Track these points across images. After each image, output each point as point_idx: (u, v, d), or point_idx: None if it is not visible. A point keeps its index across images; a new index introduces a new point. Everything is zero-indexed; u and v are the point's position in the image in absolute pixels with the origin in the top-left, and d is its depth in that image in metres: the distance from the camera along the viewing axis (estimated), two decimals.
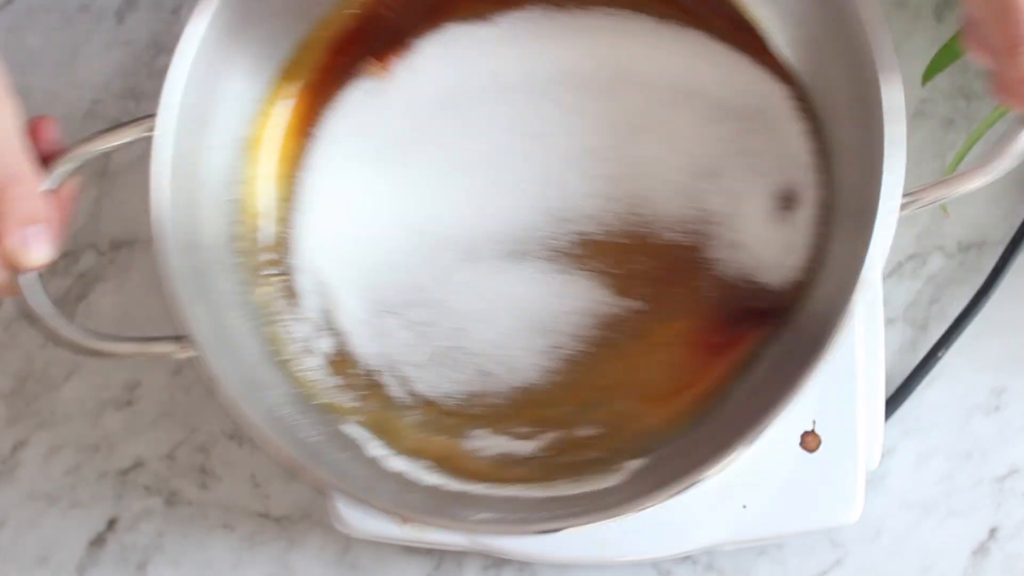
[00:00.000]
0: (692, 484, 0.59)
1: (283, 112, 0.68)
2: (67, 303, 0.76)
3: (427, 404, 0.66)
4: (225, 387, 0.60)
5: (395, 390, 0.67)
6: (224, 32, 0.64)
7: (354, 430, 0.66)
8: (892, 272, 0.74)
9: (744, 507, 0.68)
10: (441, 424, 0.66)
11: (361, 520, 0.68)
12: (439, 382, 0.66)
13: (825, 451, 0.68)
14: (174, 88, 0.62)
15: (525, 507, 0.63)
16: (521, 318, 0.67)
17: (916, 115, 0.75)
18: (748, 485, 0.68)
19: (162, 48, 0.79)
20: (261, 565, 0.74)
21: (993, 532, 0.72)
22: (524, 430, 0.66)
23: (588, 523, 0.59)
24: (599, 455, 0.65)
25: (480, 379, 0.66)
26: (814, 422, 0.68)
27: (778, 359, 0.65)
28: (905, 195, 0.59)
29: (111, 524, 0.74)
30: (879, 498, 0.72)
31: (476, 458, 0.66)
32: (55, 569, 0.74)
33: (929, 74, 0.72)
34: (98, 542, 0.74)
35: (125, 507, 0.74)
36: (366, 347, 0.67)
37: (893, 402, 0.72)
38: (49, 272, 0.76)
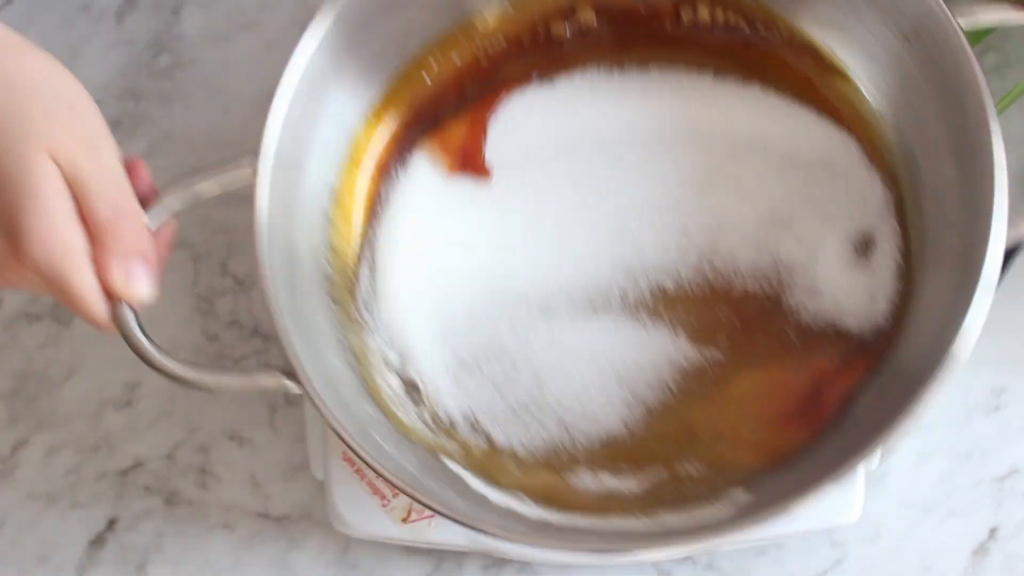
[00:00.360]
0: (781, 513, 0.60)
1: (370, 162, 0.70)
2: None
3: (510, 455, 0.67)
4: (337, 419, 0.61)
5: (478, 441, 0.67)
6: (317, 77, 0.65)
7: (455, 466, 0.66)
8: None
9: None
10: (542, 464, 0.67)
11: (361, 520, 0.68)
12: (520, 435, 0.67)
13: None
14: (273, 132, 0.64)
15: (634, 537, 0.64)
16: (599, 370, 0.67)
17: None
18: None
19: (162, 48, 0.79)
20: (261, 565, 0.74)
21: (993, 532, 0.72)
22: (626, 466, 0.66)
23: (697, 544, 0.61)
24: (702, 490, 0.65)
25: (560, 431, 0.67)
26: None
27: (875, 403, 0.65)
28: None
29: (111, 524, 0.74)
30: (879, 498, 0.72)
31: (581, 493, 0.66)
32: (55, 569, 0.74)
33: None
34: (98, 542, 0.74)
35: (125, 507, 0.74)
36: (445, 400, 0.68)
37: None
38: None
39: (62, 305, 0.60)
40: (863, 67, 0.68)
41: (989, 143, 0.60)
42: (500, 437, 0.67)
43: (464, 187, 0.70)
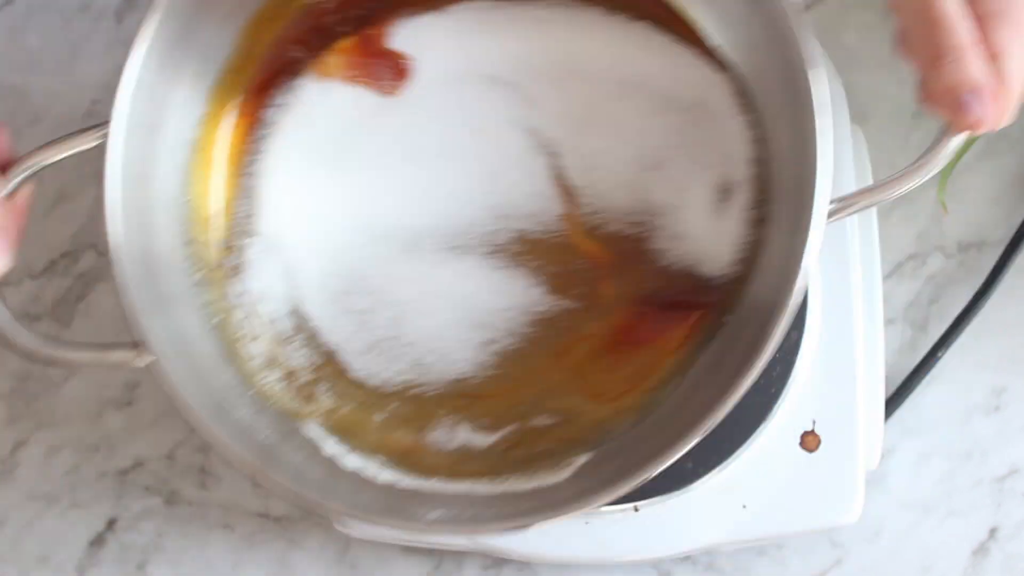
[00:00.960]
0: (636, 483, 0.59)
1: (232, 111, 0.69)
2: (67, 303, 0.76)
3: (363, 391, 0.67)
4: (182, 393, 0.61)
5: (335, 378, 0.67)
6: (170, 38, 0.64)
7: (313, 430, 0.66)
8: (892, 272, 0.74)
9: (744, 507, 0.68)
10: (405, 417, 0.66)
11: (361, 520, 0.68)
12: (377, 370, 0.67)
13: (825, 451, 0.68)
14: (124, 95, 0.62)
15: (477, 503, 0.64)
16: (458, 312, 0.67)
17: (914, 115, 0.75)
18: (748, 485, 0.68)
19: None
20: (261, 565, 0.74)
21: (993, 532, 0.72)
22: (485, 421, 0.66)
23: (538, 522, 0.60)
24: (552, 447, 0.65)
25: (416, 369, 0.67)
26: (814, 422, 0.68)
27: (721, 353, 0.65)
28: (836, 200, 0.60)
29: (111, 524, 0.74)
30: (879, 498, 0.72)
31: (436, 452, 0.66)
32: (55, 569, 0.74)
33: None
34: (98, 542, 0.74)
35: (125, 507, 0.74)
36: (313, 330, 0.68)
37: (893, 402, 0.72)
38: (48, 272, 0.76)
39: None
40: (709, 14, 0.67)
41: (805, 73, 0.60)
42: (358, 373, 0.67)
43: (344, 119, 0.69)
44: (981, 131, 0.57)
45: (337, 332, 0.68)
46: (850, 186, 0.70)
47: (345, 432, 0.66)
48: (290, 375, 0.67)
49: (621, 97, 0.68)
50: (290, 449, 0.64)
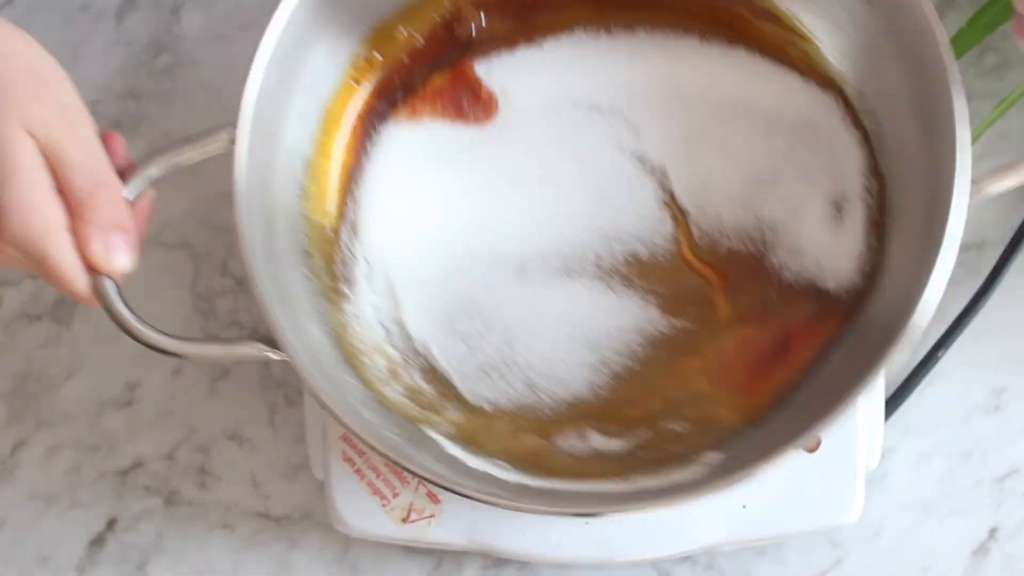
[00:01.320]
0: (751, 476, 0.60)
1: (345, 130, 0.70)
2: (67, 303, 0.76)
3: (479, 412, 0.67)
4: (318, 387, 0.61)
5: (447, 399, 0.67)
6: (291, 44, 0.65)
7: (436, 435, 0.66)
8: None
9: (744, 507, 0.68)
10: (530, 428, 0.67)
11: (361, 520, 0.68)
12: (491, 393, 0.67)
13: (825, 451, 0.67)
14: (249, 101, 0.63)
15: (608, 500, 0.64)
16: (571, 333, 0.68)
17: None
18: (748, 485, 0.68)
19: (162, 48, 0.79)
20: (261, 565, 0.74)
21: (993, 532, 0.72)
22: (613, 428, 0.66)
23: (667, 503, 0.61)
24: (682, 449, 0.65)
25: (527, 392, 0.67)
26: None
27: (846, 358, 0.65)
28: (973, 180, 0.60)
29: (111, 524, 0.74)
30: (879, 498, 0.72)
31: (565, 455, 0.66)
32: (55, 569, 0.74)
33: None
34: (98, 542, 0.74)
35: (125, 507, 0.74)
36: (425, 355, 0.68)
37: (893, 402, 0.72)
38: None
39: (45, 282, 0.60)
40: (826, 31, 0.68)
41: (950, 100, 0.60)
42: (466, 395, 0.67)
43: (444, 149, 0.70)
44: None
45: (449, 356, 0.68)
46: None
47: (468, 441, 0.66)
48: (411, 391, 0.67)
49: (725, 120, 0.69)
50: (414, 448, 0.64)
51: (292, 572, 0.73)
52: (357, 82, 0.70)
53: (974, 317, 0.73)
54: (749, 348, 0.67)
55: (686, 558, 0.72)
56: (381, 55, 0.70)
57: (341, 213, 0.69)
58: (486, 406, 0.67)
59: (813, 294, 0.67)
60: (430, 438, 0.66)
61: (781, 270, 0.68)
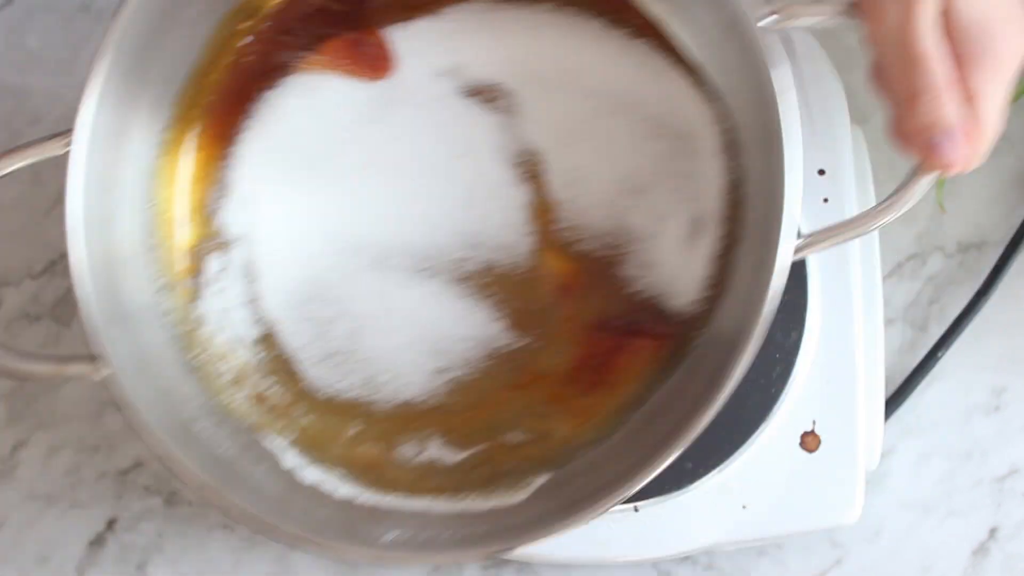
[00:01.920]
0: (589, 516, 0.59)
1: (200, 115, 0.68)
2: (67, 303, 0.76)
3: (313, 401, 0.67)
4: (137, 408, 0.60)
5: (294, 400, 0.67)
6: (136, 41, 0.63)
7: (275, 442, 0.66)
8: (892, 272, 0.74)
9: (744, 507, 0.68)
10: (374, 432, 0.66)
11: None
12: (329, 381, 0.67)
13: (825, 451, 0.68)
14: (89, 103, 0.62)
15: (435, 523, 0.64)
16: (417, 335, 0.67)
17: None
18: (748, 485, 0.68)
19: None
20: (261, 565, 0.74)
21: (993, 532, 0.72)
22: (456, 437, 0.66)
23: (492, 553, 0.60)
24: (516, 465, 0.65)
25: (367, 386, 0.67)
26: (814, 422, 0.68)
27: (685, 381, 0.65)
28: (805, 236, 0.59)
29: (111, 524, 0.74)
30: (879, 498, 0.72)
31: (400, 466, 0.66)
32: (55, 569, 0.74)
33: None
34: (98, 542, 0.74)
35: (125, 507, 0.74)
36: (277, 337, 0.67)
37: (893, 402, 0.72)
38: (48, 272, 0.76)
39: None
40: (700, 47, 0.67)
41: (779, 135, 0.60)
42: (311, 380, 0.67)
43: (317, 124, 0.69)
44: (953, 172, 0.57)
45: (295, 338, 0.67)
46: (850, 188, 0.70)
47: (309, 445, 0.66)
48: (257, 397, 0.67)
49: (613, 114, 0.68)
50: (249, 462, 0.64)
51: (292, 572, 0.73)
52: (218, 58, 0.68)
53: (974, 317, 0.73)
54: (588, 358, 0.66)
55: (686, 558, 0.72)
56: (241, 34, 0.68)
57: (204, 193, 0.68)
58: (321, 393, 0.66)
59: (654, 310, 0.66)
60: (266, 451, 0.66)
61: (629, 282, 0.67)
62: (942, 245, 0.74)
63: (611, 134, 0.68)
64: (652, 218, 0.67)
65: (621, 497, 0.59)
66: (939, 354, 0.73)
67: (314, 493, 0.65)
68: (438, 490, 0.65)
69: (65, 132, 0.62)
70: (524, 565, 0.72)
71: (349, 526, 0.63)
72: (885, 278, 0.74)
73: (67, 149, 0.62)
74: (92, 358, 0.61)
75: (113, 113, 0.63)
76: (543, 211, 0.68)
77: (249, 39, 0.69)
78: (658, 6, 0.67)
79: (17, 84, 0.78)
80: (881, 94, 0.58)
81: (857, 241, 0.70)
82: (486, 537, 0.62)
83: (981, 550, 0.72)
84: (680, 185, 0.67)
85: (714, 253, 0.66)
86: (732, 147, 0.66)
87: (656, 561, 0.72)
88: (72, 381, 0.74)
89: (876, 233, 0.71)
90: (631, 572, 0.72)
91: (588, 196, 0.68)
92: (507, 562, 0.72)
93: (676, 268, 0.66)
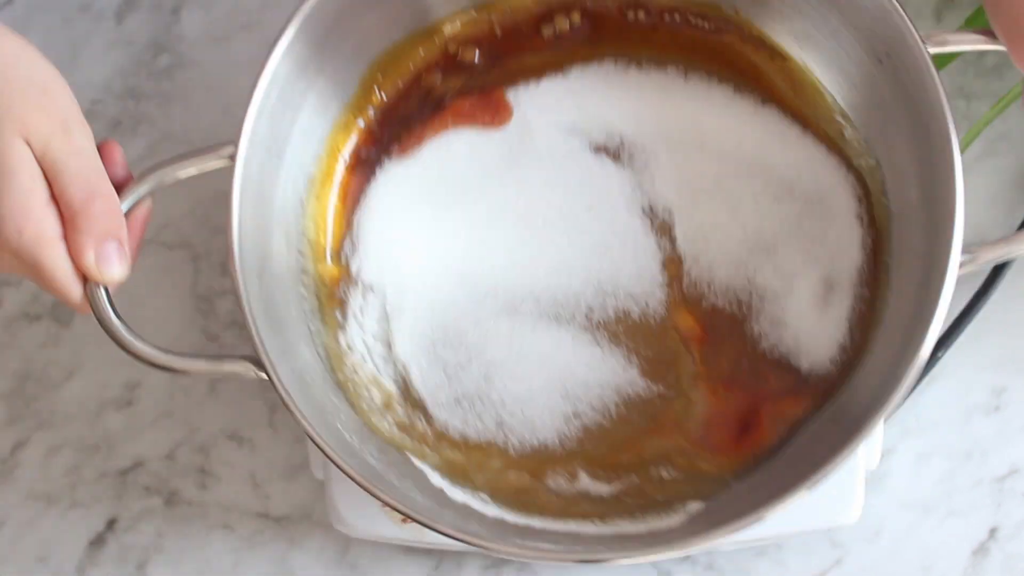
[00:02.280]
0: (738, 528, 0.60)
1: (349, 148, 0.70)
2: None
3: (451, 440, 0.67)
4: (299, 407, 0.61)
5: (420, 426, 0.68)
6: (297, 65, 0.65)
7: (422, 464, 0.67)
8: None
9: None
10: (522, 465, 0.67)
11: (361, 520, 0.68)
12: (457, 423, 0.67)
13: None
14: (252, 117, 0.64)
15: (585, 543, 0.64)
16: (550, 380, 0.68)
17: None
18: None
19: (162, 48, 0.79)
20: (261, 565, 0.74)
21: (993, 532, 0.72)
22: (602, 472, 0.66)
23: (648, 556, 0.61)
24: (668, 496, 0.66)
25: (497, 430, 0.67)
26: None
27: (816, 435, 0.65)
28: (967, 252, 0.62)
29: (111, 524, 0.74)
30: (879, 498, 0.72)
31: (552, 493, 0.66)
32: (55, 569, 0.74)
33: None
34: (98, 542, 0.74)
35: (125, 507, 0.74)
36: (404, 377, 0.68)
37: None
38: None
39: (41, 288, 0.60)
40: (837, 87, 0.68)
41: (953, 188, 0.61)
42: (443, 423, 0.67)
43: (455, 173, 0.70)
44: None
45: (428, 381, 0.68)
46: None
47: (453, 473, 0.67)
48: (403, 425, 0.68)
49: (741, 177, 0.69)
50: (397, 476, 0.65)
51: (292, 572, 0.73)
52: (365, 103, 0.70)
53: (974, 317, 0.73)
54: (719, 416, 0.67)
55: (686, 558, 0.72)
56: (383, 90, 0.70)
57: (342, 233, 0.69)
58: (453, 434, 0.67)
59: (785, 370, 0.67)
60: (416, 468, 0.66)
61: (759, 339, 0.67)
62: None
63: (740, 195, 0.69)
64: (781, 276, 0.68)
65: (755, 523, 0.60)
66: (939, 354, 0.73)
67: (466, 509, 0.65)
68: (587, 515, 0.65)
69: (221, 145, 0.64)
70: (524, 565, 0.72)
71: (502, 541, 0.63)
72: None
73: (229, 163, 0.63)
74: (248, 358, 0.62)
75: (270, 130, 0.65)
76: (672, 264, 0.68)
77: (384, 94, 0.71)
78: (795, 44, 0.69)
79: None
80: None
81: None
82: (638, 547, 0.63)
83: (981, 550, 0.72)
84: (810, 246, 0.68)
85: (851, 321, 0.67)
86: (870, 217, 0.67)
87: (656, 561, 0.72)
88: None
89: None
90: (631, 572, 0.72)
91: (716, 253, 0.68)
92: (507, 562, 0.72)
93: (807, 329, 0.67)
